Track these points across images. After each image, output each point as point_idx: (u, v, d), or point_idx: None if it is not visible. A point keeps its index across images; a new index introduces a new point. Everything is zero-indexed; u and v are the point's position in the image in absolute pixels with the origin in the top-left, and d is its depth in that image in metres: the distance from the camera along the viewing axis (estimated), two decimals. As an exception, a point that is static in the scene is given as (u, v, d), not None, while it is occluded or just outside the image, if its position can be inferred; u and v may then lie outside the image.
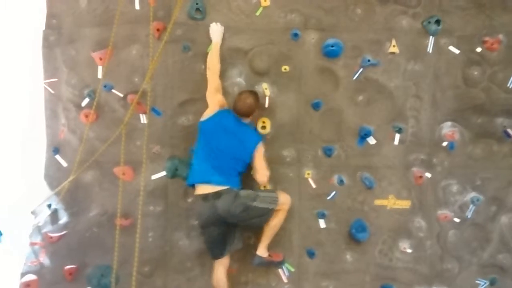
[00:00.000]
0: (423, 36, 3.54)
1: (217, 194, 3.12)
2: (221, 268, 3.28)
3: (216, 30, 3.40)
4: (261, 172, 3.27)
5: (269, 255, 3.33)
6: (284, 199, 3.31)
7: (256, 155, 3.26)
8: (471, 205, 3.60)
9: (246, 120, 3.31)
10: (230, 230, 3.26)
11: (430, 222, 3.62)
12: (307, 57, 3.51)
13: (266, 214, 3.20)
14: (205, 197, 3.15)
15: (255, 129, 3.45)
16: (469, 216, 3.61)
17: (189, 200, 3.53)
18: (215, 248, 3.25)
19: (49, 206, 3.50)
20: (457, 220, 3.62)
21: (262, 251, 3.29)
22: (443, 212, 3.62)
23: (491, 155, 3.63)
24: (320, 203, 3.57)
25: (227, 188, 3.14)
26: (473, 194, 3.61)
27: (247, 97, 3.22)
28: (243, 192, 3.18)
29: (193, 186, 3.27)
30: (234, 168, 3.24)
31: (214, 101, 3.30)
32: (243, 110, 3.22)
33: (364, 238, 3.54)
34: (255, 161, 3.27)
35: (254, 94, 3.29)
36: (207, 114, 3.27)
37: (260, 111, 3.41)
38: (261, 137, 3.35)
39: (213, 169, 3.16)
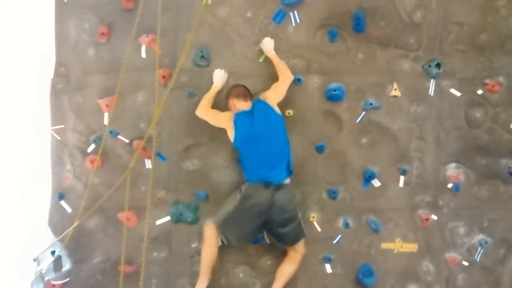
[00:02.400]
0: (424, 79, 3.62)
1: (280, 186, 3.26)
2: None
3: (218, 75, 3.52)
4: (284, 83, 3.43)
5: None
6: (303, 246, 3.41)
7: (272, 100, 3.36)
8: (479, 248, 3.60)
9: (250, 103, 3.40)
10: (261, 230, 3.40)
11: (439, 266, 3.60)
12: (310, 101, 3.60)
13: (296, 235, 3.32)
14: (267, 185, 3.23)
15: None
16: (477, 259, 3.60)
17: (193, 245, 3.56)
18: (239, 231, 3.29)
19: (53, 253, 3.54)
20: (465, 263, 3.61)
21: None
22: (451, 255, 3.62)
23: (498, 196, 3.65)
24: (326, 247, 3.58)
25: (288, 184, 3.31)
26: (481, 236, 3.61)
27: (236, 85, 3.43)
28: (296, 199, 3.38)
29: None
30: (282, 151, 3.33)
31: (215, 115, 3.42)
32: (243, 89, 3.40)
33: (372, 283, 3.52)
34: (276, 97, 3.39)
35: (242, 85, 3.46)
36: (228, 128, 3.36)
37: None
38: (258, 97, 3.43)
39: (270, 168, 3.26)
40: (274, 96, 3.38)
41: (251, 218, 3.27)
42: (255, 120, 3.30)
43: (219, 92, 3.52)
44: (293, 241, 3.36)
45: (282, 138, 3.35)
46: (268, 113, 3.32)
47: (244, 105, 3.38)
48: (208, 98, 3.46)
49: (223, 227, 3.30)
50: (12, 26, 3.95)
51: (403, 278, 3.58)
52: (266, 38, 3.51)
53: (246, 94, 3.41)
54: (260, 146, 3.27)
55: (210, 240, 3.30)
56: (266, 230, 3.45)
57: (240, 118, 3.34)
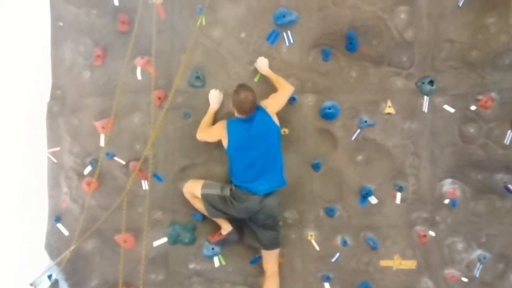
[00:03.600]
0: (417, 96, 3.71)
1: (268, 194, 3.35)
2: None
3: (214, 96, 3.60)
4: (284, 94, 3.47)
5: None
6: (277, 257, 3.50)
7: (271, 109, 3.40)
8: (478, 263, 3.64)
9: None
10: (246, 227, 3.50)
11: (438, 283, 3.65)
12: (305, 120, 3.68)
13: (272, 242, 3.42)
14: (254, 193, 3.32)
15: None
16: (477, 275, 3.64)
17: (191, 266, 3.59)
18: (218, 211, 3.39)
19: (49, 277, 3.57)
20: (465, 279, 3.65)
21: None
22: (450, 272, 3.66)
23: (494, 211, 3.71)
24: (324, 265, 3.62)
25: (276, 191, 3.40)
26: (479, 252, 3.66)
27: (247, 95, 3.29)
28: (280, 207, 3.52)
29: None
30: (278, 159, 3.40)
31: (209, 133, 3.47)
32: (249, 108, 3.32)
33: (371, 301, 3.55)
34: (275, 107, 3.43)
35: (249, 88, 3.37)
36: (222, 138, 3.40)
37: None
38: (259, 104, 3.42)
39: (259, 177, 3.32)
40: (273, 105, 3.43)
41: (234, 214, 3.37)
42: (253, 127, 3.34)
43: (216, 113, 3.59)
44: (268, 246, 3.42)
45: (276, 148, 3.40)
46: (266, 122, 3.37)
47: (243, 116, 3.38)
48: (206, 121, 3.54)
49: (205, 199, 3.39)
50: (8, 49, 4.02)
51: (402, 296, 3.62)
52: (260, 57, 3.60)
53: (250, 112, 3.35)
54: (253, 154, 3.32)
55: (195, 198, 3.44)
56: (246, 227, 3.51)
57: (234, 124, 3.38)
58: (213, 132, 3.45)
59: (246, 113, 3.32)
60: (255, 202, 3.30)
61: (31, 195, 3.84)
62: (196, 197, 3.44)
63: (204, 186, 3.42)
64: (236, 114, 3.38)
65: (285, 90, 3.48)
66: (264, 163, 3.33)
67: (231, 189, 3.39)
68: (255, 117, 3.35)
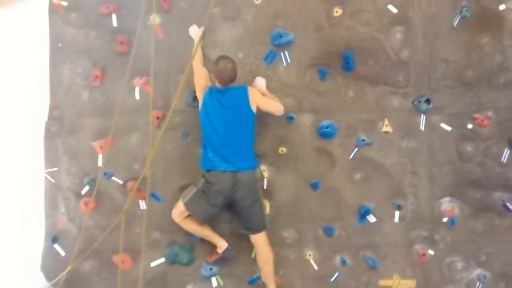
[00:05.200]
0: (414, 114, 3.81)
1: (237, 172, 3.40)
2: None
3: (195, 31, 3.69)
4: (273, 105, 3.53)
5: None
6: (266, 239, 3.55)
7: (256, 100, 3.46)
8: (478, 283, 3.71)
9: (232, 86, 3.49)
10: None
11: (438, 302, 3.69)
12: (303, 139, 3.79)
13: (260, 222, 3.49)
14: (224, 171, 3.38)
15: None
16: (477, 295, 3.69)
17: (189, 287, 3.64)
18: (202, 211, 3.46)
19: (46, 299, 3.60)
20: (465, 298, 3.70)
21: None
22: (450, 291, 3.71)
23: (493, 229, 3.79)
24: (324, 285, 3.70)
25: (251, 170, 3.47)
26: (479, 271, 3.73)
27: (226, 63, 3.40)
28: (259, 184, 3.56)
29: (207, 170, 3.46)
30: (247, 142, 3.48)
31: (201, 75, 3.56)
32: (229, 77, 3.42)
33: (371, 321, 3.60)
34: (260, 104, 3.47)
35: (229, 58, 3.48)
36: (199, 93, 3.51)
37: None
38: (246, 85, 3.53)
39: (227, 155, 3.39)
40: (261, 99, 3.50)
41: (216, 199, 3.42)
42: (226, 100, 3.42)
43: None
44: (256, 229, 3.49)
45: (248, 132, 3.48)
46: (241, 101, 3.44)
47: (223, 86, 3.47)
48: (197, 60, 3.62)
49: (189, 206, 3.47)
50: (7, 69, 4.13)
51: (402, 316, 3.67)
52: (258, 78, 3.72)
53: (231, 82, 3.46)
54: (223, 129, 3.40)
55: (184, 220, 3.52)
56: (233, 215, 3.58)
57: (212, 91, 3.47)
58: (200, 82, 3.53)
59: (225, 82, 3.43)
60: (228, 180, 3.37)
61: (28, 216, 3.90)
62: (185, 218, 3.52)
63: (183, 197, 3.52)
64: (217, 84, 3.49)
65: (277, 105, 3.57)
66: (233, 142, 3.41)
67: (203, 176, 3.48)
68: (232, 92, 3.46)
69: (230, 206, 3.52)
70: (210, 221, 3.60)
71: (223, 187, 3.38)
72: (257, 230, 3.51)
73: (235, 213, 3.54)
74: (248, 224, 3.49)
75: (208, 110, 3.45)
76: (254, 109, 3.47)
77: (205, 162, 3.47)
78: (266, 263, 3.52)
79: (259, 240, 3.51)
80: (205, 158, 3.48)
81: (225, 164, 3.39)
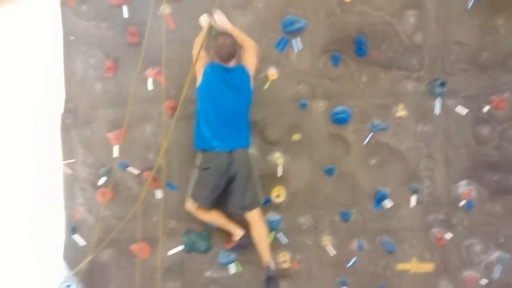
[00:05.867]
0: (429, 98, 3.82)
1: (232, 151, 3.47)
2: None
3: (205, 21, 3.67)
4: (247, 44, 3.58)
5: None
6: (260, 215, 3.58)
7: (245, 60, 3.57)
8: (497, 265, 3.70)
9: (232, 64, 3.54)
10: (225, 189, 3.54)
11: (457, 285, 3.73)
12: (317, 125, 3.81)
13: (253, 199, 3.52)
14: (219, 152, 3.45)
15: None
16: (497, 277, 3.70)
17: (207, 274, 3.70)
18: (206, 195, 3.49)
19: (69, 287, 3.67)
20: (485, 281, 3.72)
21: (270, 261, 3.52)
22: (469, 274, 3.73)
23: (511, 211, 3.77)
24: (341, 270, 3.72)
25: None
26: (498, 253, 3.74)
27: (225, 40, 3.48)
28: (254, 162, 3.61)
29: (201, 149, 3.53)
30: (244, 120, 3.56)
31: (201, 60, 3.53)
32: (227, 52, 3.47)
33: (390, 306, 3.63)
34: (251, 66, 3.57)
35: (228, 35, 3.53)
36: (199, 71, 3.53)
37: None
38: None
39: (224, 133, 3.46)
40: (251, 67, 3.57)
41: (215, 180, 3.46)
42: (231, 79, 3.49)
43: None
44: (249, 207, 3.52)
45: (245, 110, 3.56)
46: (245, 81, 3.52)
47: (223, 63, 3.52)
48: (199, 39, 3.59)
49: (194, 196, 3.52)
50: (22, 63, 4.18)
51: (421, 300, 3.70)
52: (201, 17, 3.66)
53: (230, 58, 3.51)
54: (221, 106, 3.46)
55: (199, 211, 3.57)
56: (229, 195, 3.57)
57: (214, 67, 3.52)
58: (203, 54, 3.52)
59: (224, 58, 3.48)
60: (223, 159, 3.43)
61: (49, 207, 3.97)
62: (198, 208, 3.57)
63: (188, 190, 3.58)
64: (217, 60, 3.53)
65: (250, 47, 3.58)
66: (231, 121, 3.48)
67: (198, 158, 3.54)
68: (236, 71, 3.52)
69: (228, 187, 3.55)
70: (215, 205, 3.59)
71: (219, 166, 3.43)
72: (251, 208, 3.53)
73: (230, 191, 3.55)
74: (242, 202, 3.51)
75: (210, 87, 3.50)
76: (252, 85, 3.55)
77: (200, 141, 3.53)
78: (261, 239, 3.54)
79: (253, 216, 3.54)
80: (200, 136, 3.53)
81: (221, 144, 3.45)
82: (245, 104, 3.57)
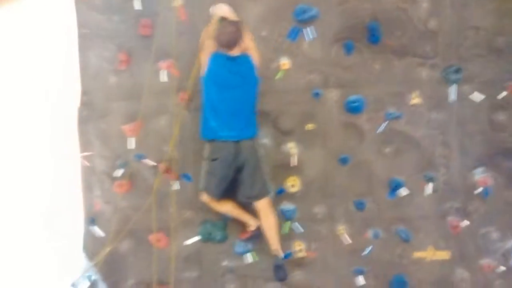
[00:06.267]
0: (443, 85, 3.80)
1: (239, 141, 3.46)
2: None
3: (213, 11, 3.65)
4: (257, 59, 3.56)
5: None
6: (270, 205, 3.58)
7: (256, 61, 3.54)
8: (515, 252, 3.71)
9: (236, 52, 3.49)
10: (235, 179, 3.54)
11: (474, 273, 3.73)
12: (330, 114, 3.82)
13: (262, 187, 3.50)
14: (226, 141, 3.45)
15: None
16: (514, 264, 3.71)
17: (223, 264, 3.76)
18: (217, 186, 3.50)
19: (89, 277, 3.78)
20: (502, 268, 3.71)
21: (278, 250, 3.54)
22: (486, 261, 3.74)
23: (528, 198, 3.77)
24: (357, 259, 3.76)
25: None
26: (515, 241, 3.73)
27: (227, 26, 3.44)
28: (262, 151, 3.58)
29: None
30: (251, 109, 3.53)
31: (207, 49, 3.53)
32: (226, 39, 3.43)
33: (405, 294, 3.66)
34: (256, 58, 3.54)
35: (234, 21, 3.48)
36: (203, 61, 3.53)
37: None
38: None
39: (231, 122, 3.44)
40: (256, 58, 3.54)
41: (223, 171, 3.47)
42: (236, 68, 3.46)
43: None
44: (258, 196, 3.51)
45: (252, 100, 3.54)
46: (250, 69, 3.50)
47: (227, 51, 3.48)
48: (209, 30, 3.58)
49: (205, 188, 3.54)
50: (38, 56, 4.25)
51: (437, 287, 3.70)
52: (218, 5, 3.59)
53: (230, 45, 3.46)
54: (227, 96, 3.45)
55: (214, 203, 3.58)
56: (238, 185, 3.58)
57: (218, 57, 3.48)
58: (210, 44, 3.51)
59: (224, 45, 3.43)
60: (230, 148, 3.42)
61: (67, 199, 4.06)
62: (212, 200, 3.60)
63: (200, 183, 3.60)
64: (218, 48, 3.49)
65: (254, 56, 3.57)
66: (237, 110, 3.46)
67: (206, 149, 3.55)
68: (241, 60, 3.49)
69: (236, 175, 3.56)
70: (229, 196, 3.61)
71: (226, 156, 3.44)
72: (260, 197, 3.53)
73: (239, 181, 3.56)
74: (251, 191, 3.51)
75: (215, 76, 3.49)
76: (257, 73, 3.53)
77: (207, 131, 3.53)
78: (270, 227, 3.56)
79: (262, 206, 3.55)
80: (206, 126, 3.53)
81: (228, 133, 3.44)
82: (251, 93, 3.54)
